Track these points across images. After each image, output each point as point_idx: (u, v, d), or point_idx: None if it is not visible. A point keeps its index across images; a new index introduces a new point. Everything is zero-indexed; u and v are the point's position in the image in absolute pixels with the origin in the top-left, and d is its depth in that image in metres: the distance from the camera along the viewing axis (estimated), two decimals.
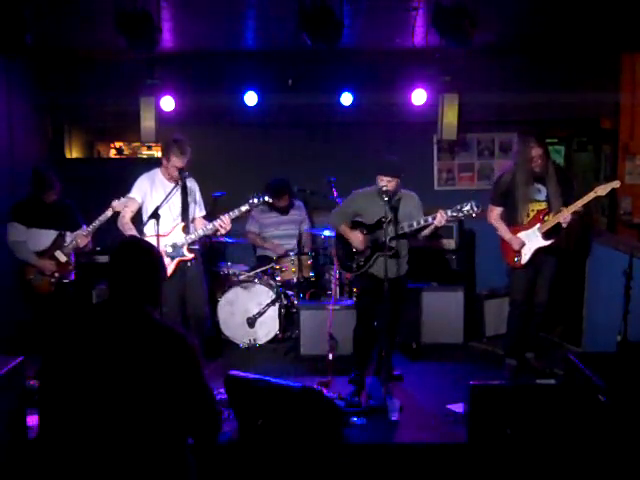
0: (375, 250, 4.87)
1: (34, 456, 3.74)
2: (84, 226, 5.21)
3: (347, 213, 5.04)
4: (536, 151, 4.88)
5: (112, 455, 2.24)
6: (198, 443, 2.46)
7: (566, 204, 4.87)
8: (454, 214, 4.60)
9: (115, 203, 4.99)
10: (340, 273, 6.04)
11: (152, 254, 2.49)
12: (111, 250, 2.47)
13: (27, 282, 5.06)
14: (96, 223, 5.07)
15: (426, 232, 4.77)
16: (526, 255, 5.02)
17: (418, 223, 4.69)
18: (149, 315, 2.39)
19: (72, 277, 5.27)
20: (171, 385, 2.28)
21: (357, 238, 4.91)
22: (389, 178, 4.69)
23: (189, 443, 2.42)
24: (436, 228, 4.71)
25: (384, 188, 4.66)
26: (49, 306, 5.09)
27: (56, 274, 5.10)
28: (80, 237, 5.13)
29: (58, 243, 5.14)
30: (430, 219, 4.64)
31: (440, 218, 4.58)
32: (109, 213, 5.03)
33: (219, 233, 5.00)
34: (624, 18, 5.29)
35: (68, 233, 5.20)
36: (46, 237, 5.12)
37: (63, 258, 5.13)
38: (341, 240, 5.09)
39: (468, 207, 4.57)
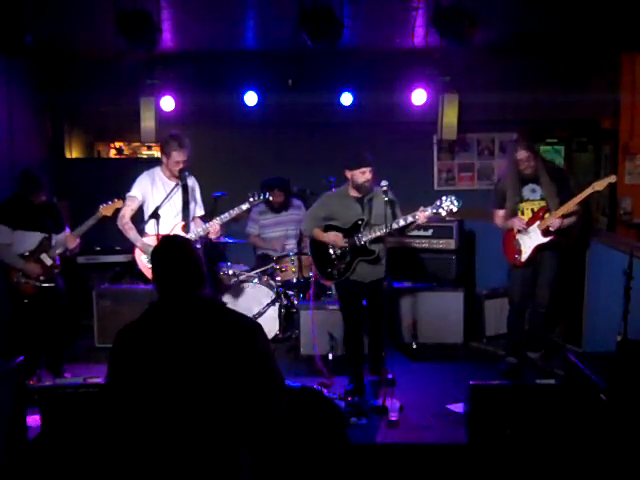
0: (355, 255, 4.71)
1: (34, 456, 3.76)
2: (67, 228, 5.13)
3: (319, 217, 4.85)
4: (521, 154, 4.92)
5: (180, 447, 2.27)
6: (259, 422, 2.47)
7: (562, 202, 4.89)
8: (434, 210, 4.53)
9: (102, 207, 4.96)
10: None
11: (189, 246, 2.60)
12: (154, 250, 2.59)
13: (11, 283, 4.96)
14: (83, 227, 4.97)
15: (410, 229, 4.74)
16: (526, 253, 5.04)
17: (398, 223, 4.57)
18: (217, 302, 2.51)
19: (59, 282, 5.14)
20: (242, 371, 2.32)
21: (336, 237, 4.72)
22: (370, 168, 4.59)
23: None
24: (417, 226, 4.68)
25: (367, 184, 4.60)
26: (31, 309, 4.99)
27: (41, 277, 4.98)
28: (69, 239, 5.00)
29: (44, 246, 5.01)
30: (410, 218, 4.56)
31: (421, 216, 4.53)
32: (97, 216, 4.96)
33: (209, 237, 5.00)
34: (624, 18, 5.29)
35: (53, 235, 5.08)
36: (32, 239, 4.98)
37: (49, 261, 5.00)
38: (316, 246, 4.90)
39: (448, 202, 4.49)
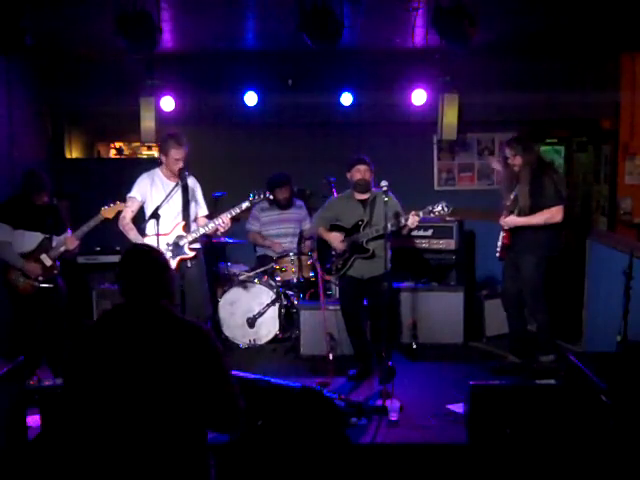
0: (353, 252, 5.08)
1: (34, 456, 3.76)
2: (69, 230, 5.11)
3: (326, 218, 5.27)
4: (505, 152, 5.17)
5: (136, 452, 2.32)
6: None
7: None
8: (426, 215, 4.82)
9: (104, 210, 4.94)
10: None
11: (153, 255, 2.66)
12: (120, 259, 2.63)
13: (10, 282, 4.94)
14: (85, 228, 4.93)
15: (404, 232, 4.95)
16: (498, 247, 5.24)
17: (392, 225, 4.80)
18: (167, 310, 2.52)
19: (60, 282, 5.11)
20: (194, 377, 2.35)
21: (336, 238, 5.13)
22: (365, 167, 4.96)
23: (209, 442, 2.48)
24: (410, 229, 4.88)
25: (362, 181, 4.95)
26: (30, 308, 4.96)
27: (40, 277, 4.95)
28: (69, 240, 4.97)
29: (44, 246, 4.98)
30: (403, 221, 4.83)
31: (412, 220, 4.78)
32: (99, 218, 4.92)
33: (219, 232, 5.01)
34: (624, 18, 5.29)
35: (54, 236, 5.05)
36: (32, 239, 4.95)
37: (49, 262, 4.96)
38: (321, 243, 5.34)
39: (439, 208, 4.77)
